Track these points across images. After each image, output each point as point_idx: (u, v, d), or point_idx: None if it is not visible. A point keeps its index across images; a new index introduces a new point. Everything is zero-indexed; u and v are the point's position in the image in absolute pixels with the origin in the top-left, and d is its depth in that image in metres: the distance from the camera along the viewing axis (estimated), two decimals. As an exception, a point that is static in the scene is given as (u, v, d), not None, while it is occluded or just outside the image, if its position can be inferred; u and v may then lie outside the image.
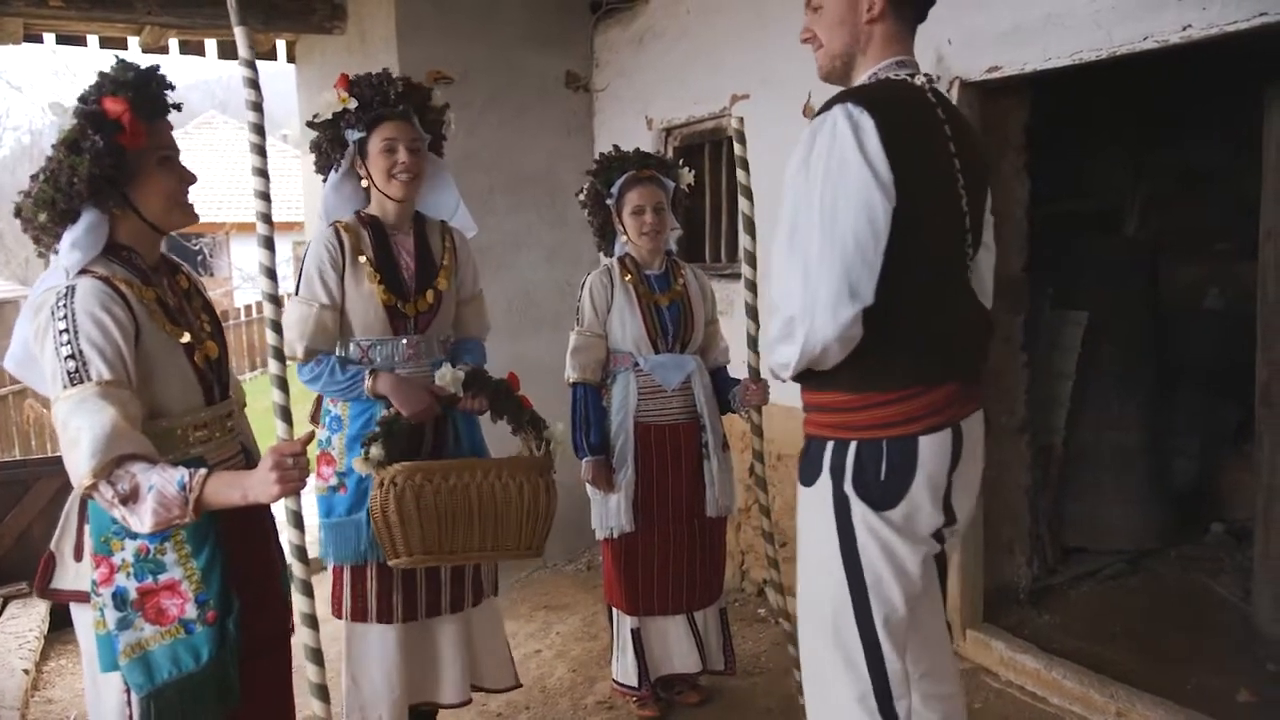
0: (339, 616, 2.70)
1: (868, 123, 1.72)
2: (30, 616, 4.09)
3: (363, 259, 2.58)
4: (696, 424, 3.12)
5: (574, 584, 4.66)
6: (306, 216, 4.90)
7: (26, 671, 3.64)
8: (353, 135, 2.60)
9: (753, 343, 2.82)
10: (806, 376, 1.87)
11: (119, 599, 1.73)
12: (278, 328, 2.05)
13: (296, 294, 2.61)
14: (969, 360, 1.96)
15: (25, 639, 3.87)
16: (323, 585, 4.36)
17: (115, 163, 1.77)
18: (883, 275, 1.72)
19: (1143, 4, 2.64)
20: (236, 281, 18.10)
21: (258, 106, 1.99)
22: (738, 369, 3.05)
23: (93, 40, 4.95)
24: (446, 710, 2.89)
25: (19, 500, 4.35)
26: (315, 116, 2.62)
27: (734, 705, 3.34)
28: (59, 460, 4.99)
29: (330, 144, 2.64)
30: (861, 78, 1.90)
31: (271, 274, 2.05)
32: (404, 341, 2.64)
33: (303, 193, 5.91)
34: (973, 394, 1.95)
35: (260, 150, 2.01)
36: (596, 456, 3.04)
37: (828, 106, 1.78)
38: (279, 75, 5.62)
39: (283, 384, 2.01)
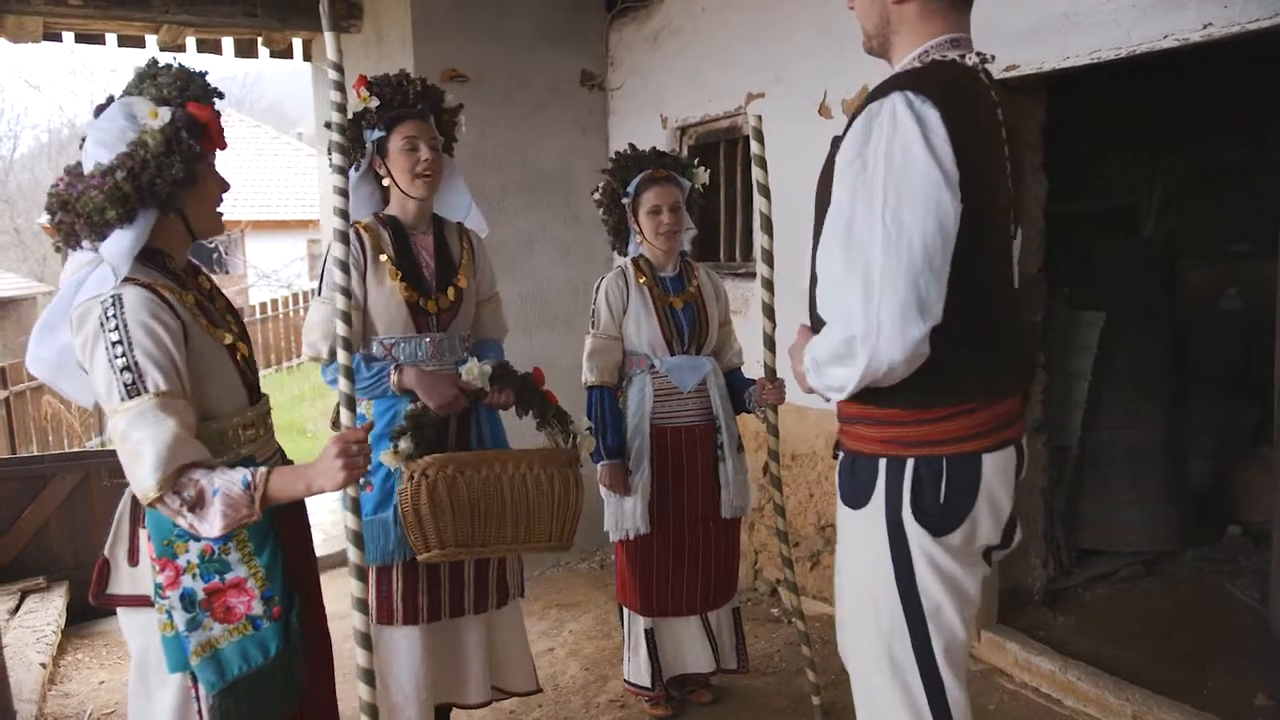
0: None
1: (932, 115, 1.55)
2: (47, 610, 4.12)
3: (383, 257, 2.59)
4: (712, 425, 3.11)
5: (586, 583, 4.66)
6: (322, 214, 4.93)
7: (44, 665, 3.66)
8: (371, 135, 2.61)
9: (769, 342, 2.81)
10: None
11: (187, 600, 1.75)
12: (348, 319, 2.10)
13: (318, 295, 2.62)
14: (1029, 371, 1.83)
15: (42, 633, 3.90)
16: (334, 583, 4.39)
17: (194, 166, 1.81)
18: (948, 279, 1.57)
19: (1162, 2, 2.62)
20: (251, 279, 18.18)
21: (341, 108, 2.09)
22: (754, 368, 3.04)
23: (111, 39, 4.98)
24: (460, 709, 2.90)
25: (36, 495, 4.38)
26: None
27: (746, 704, 3.34)
28: (76, 456, 5.02)
29: (350, 144, 2.63)
30: (906, 56, 1.73)
31: (345, 268, 2.11)
32: (427, 340, 2.65)
33: (318, 190, 5.93)
34: (1025, 410, 1.81)
35: (342, 149, 2.10)
36: (613, 460, 3.03)
37: (883, 92, 1.61)
38: (295, 73, 5.65)
39: (349, 373, 2.07)
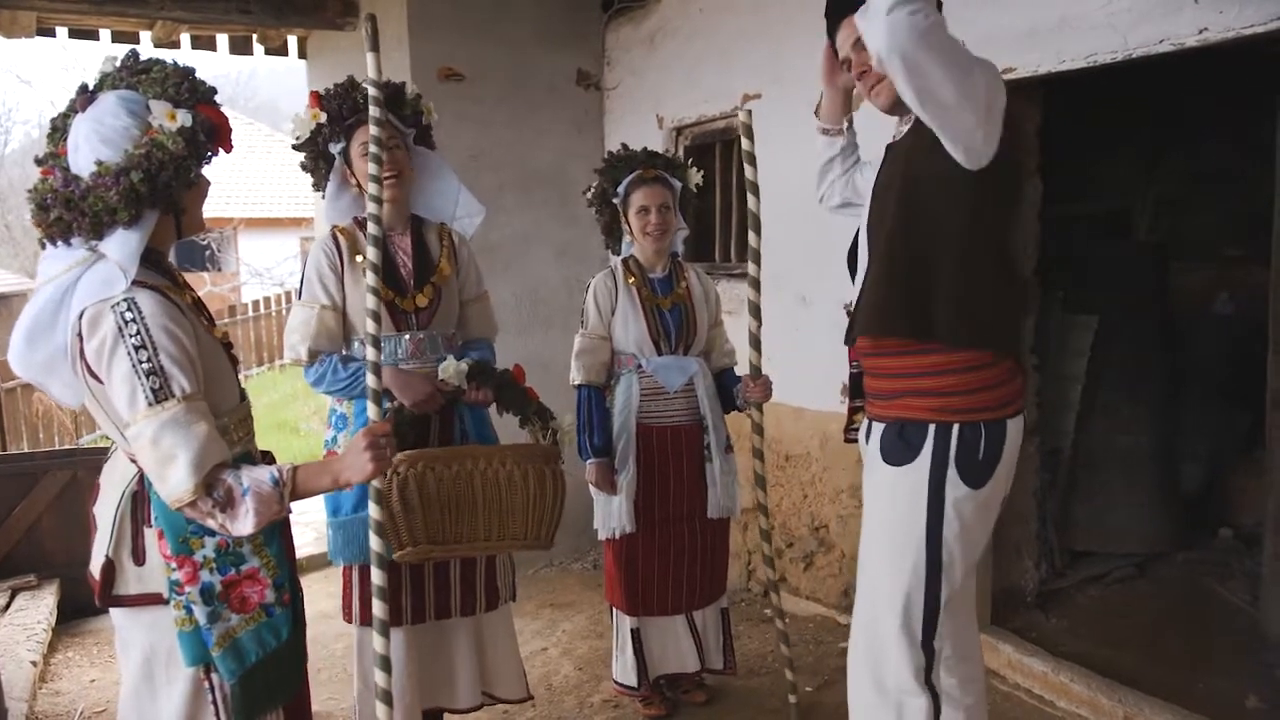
0: (349, 620, 2.70)
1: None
2: (38, 608, 4.10)
3: (359, 259, 2.62)
4: (699, 426, 3.12)
5: (580, 582, 4.66)
6: (315, 212, 4.93)
7: (34, 663, 3.64)
8: (334, 147, 2.68)
9: (754, 340, 2.81)
10: (909, 349, 2.04)
11: (207, 594, 1.77)
12: (377, 318, 2.28)
13: (299, 299, 2.66)
14: (1022, 333, 2.19)
15: (33, 631, 3.88)
16: (325, 582, 4.37)
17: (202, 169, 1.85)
18: (1004, 256, 2.02)
19: (1159, 6, 2.63)
20: (244, 277, 18.10)
21: (380, 122, 2.33)
22: (742, 367, 3.05)
23: (105, 35, 4.96)
24: (452, 713, 2.88)
25: (27, 493, 4.36)
26: (297, 138, 2.71)
27: (740, 704, 3.34)
28: (67, 453, 4.97)
29: (316, 161, 2.73)
30: None
31: (376, 269, 2.30)
32: (406, 338, 2.67)
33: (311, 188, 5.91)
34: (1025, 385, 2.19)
35: (378, 160, 2.33)
36: (600, 458, 3.04)
37: None
38: (290, 71, 5.64)
39: (376, 369, 2.24)
